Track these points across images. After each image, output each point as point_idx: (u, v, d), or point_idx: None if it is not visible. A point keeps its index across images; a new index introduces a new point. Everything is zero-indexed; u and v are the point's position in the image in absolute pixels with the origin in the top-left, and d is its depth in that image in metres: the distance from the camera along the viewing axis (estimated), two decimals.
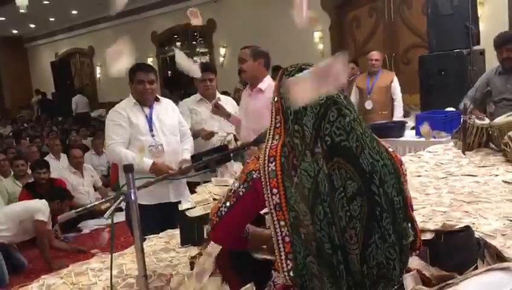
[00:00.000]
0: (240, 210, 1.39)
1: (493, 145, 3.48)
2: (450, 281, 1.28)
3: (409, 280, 1.32)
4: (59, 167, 6.49)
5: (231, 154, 1.69)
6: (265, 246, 1.50)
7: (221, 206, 1.40)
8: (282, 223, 1.28)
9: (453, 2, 5.81)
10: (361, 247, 1.25)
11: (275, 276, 1.36)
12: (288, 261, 1.27)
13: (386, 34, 9.20)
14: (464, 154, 3.47)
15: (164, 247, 2.17)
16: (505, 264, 1.29)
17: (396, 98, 5.62)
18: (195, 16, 2.58)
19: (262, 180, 1.31)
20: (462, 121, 3.58)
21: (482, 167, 3.13)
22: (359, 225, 1.24)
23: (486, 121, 3.57)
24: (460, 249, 1.52)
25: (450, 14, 5.83)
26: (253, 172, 1.35)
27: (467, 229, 1.56)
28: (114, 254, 2.06)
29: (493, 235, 1.95)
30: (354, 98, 5.64)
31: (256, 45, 3.55)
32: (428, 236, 1.56)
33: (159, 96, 3.25)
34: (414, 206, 2.43)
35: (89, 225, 5.61)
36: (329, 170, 1.25)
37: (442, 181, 2.90)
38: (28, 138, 9.17)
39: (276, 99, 1.39)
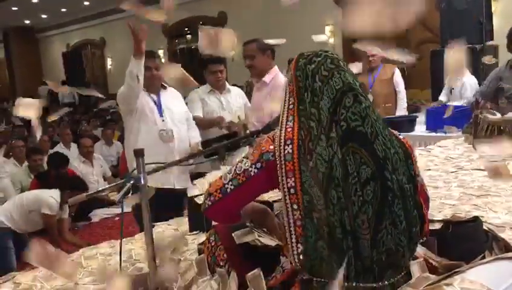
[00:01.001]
0: (247, 190, 1.39)
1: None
2: (457, 269, 1.29)
3: (415, 268, 1.32)
4: (69, 156, 6.54)
5: (240, 142, 1.70)
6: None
7: (227, 183, 1.39)
8: (295, 206, 1.28)
9: None
10: (372, 232, 1.26)
11: (284, 261, 1.37)
12: (299, 245, 1.28)
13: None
14: (475, 149, 3.45)
15: (172, 234, 2.19)
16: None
17: (399, 90, 5.53)
18: None
19: (278, 162, 1.31)
20: (473, 115, 3.56)
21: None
22: (371, 209, 1.25)
23: (498, 116, 3.55)
24: (468, 239, 1.52)
25: (464, 9, 5.80)
26: (268, 153, 1.35)
27: (475, 219, 1.56)
28: (123, 240, 2.10)
29: (502, 228, 1.94)
30: None
31: (259, 38, 3.54)
32: (436, 226, 1.56)
33: (165, 85, 3.27)
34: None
35: (98, 214, 5.66)
36: (343, 155, 1.26)
37: (452, 175, 2.88)
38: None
39: (291, 79, 1.40)
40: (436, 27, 6.76)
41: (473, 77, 5.34)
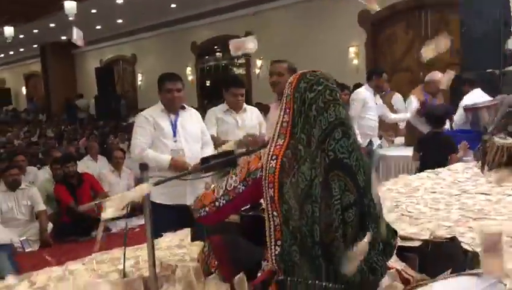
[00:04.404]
0: (237, 203, 1.58)
1: None
2: (421, 282, 1.39)
3: (386, 277, 1.44)
4: (96, 168, 6.83)
5: (238, 159, 1.85)
6: None
7: (220, 197, 1.58)
8: (275, 213, 1.44)
9: (488, 22, 5.81)
10: (349, 249, 1.38)
11: (264, 265, 1.52)
12: (277, 247, 1.44)
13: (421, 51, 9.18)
14: (482, 173, 3.50)
15: (178, 243, 2.34)
16: (474, 271, 1.39)
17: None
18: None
19: (263, 175, 1.47)
20: (482, 140, 3.62)
21: (499, 186, 3.16)
22: (350, 230, 1.38)
23: (508, 140, 3.59)
24: (446, 258, 1.61)
25: (483, 35, 5.83)
26: (256, 171, 1.51)
27: (453, 240, 1.66)
28: (132, 247, 2.27)
29: None
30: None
31: (288, 60, 3.68)
32: (416, 244, 1.67)
33: (185, 105, 3.47)
34: (421, 220, 2.54)
35: (117, 225, 5.85)
36: (328, 179, 1.39)
37: (455, 198, 2.94)
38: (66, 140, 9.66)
39: (289, 98, 1.52)
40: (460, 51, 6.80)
41: None
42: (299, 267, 1.38)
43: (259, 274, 1.50)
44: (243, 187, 1.54)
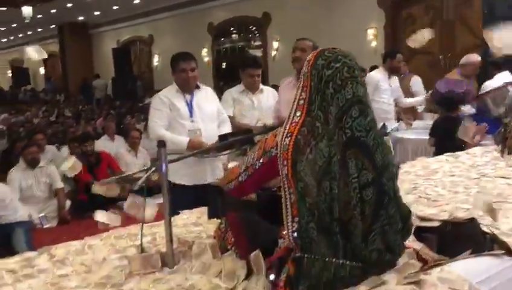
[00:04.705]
0: (256, 179, 1.63)
1: None
2: (441, 261, 1.38)
3: (404, 255, 1.43)
4: (113, 148, 6.90)
5: (255, 137, 1.84)
6: None
7: (242, 172, 1.65)
8: (291, 190, 1.44)
9: (511, 3, 5.69)
10: (366, 228, 1.38)
11: (281, 242, 1.53)
12: (294, 224, 1.43)
13: (442, 33, 9.01)
14: (502, 157, 3.44)
15: (195, 221, 2.35)
16: (494, 252, 1.37)
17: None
18: None
19: (278, 152, 1.47)
20: (502, 123, 3.56)
21: None
22: (368, 208, 1.37)
23: None
24: (464, 238, 1.59)
25: (506, 15, 5.72)
26: (272, 149, 1.53)
27: (472, 220, 1.64)
28: (148, 225, 2.28)
29: (510, 233, 1.98)
30: None
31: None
32: (435, 224, 1.65)
33: (200, 84, 3.45)
34: (440, 202, 2.51)
35: None
36: (346, 157, 1.38)
37: (474, 182, 2.90)
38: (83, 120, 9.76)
39: (306, 76, 1.50)
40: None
41: None
42: (317, 244, 1.38)
43: (275, 252, 1.51)
44: (260, 164, 1.58)
